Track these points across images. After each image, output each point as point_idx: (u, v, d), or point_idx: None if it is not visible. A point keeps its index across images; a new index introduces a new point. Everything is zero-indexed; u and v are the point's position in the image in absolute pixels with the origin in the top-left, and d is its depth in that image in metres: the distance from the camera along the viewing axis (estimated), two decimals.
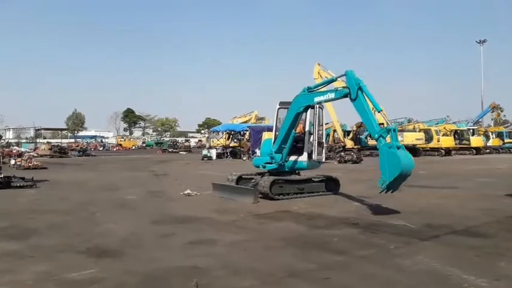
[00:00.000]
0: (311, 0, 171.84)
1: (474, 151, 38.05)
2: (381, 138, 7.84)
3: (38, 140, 58.65)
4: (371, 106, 8.38)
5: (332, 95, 8.99)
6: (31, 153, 27.70)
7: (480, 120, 52.70)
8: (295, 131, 10.06)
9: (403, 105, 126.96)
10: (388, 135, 7.81)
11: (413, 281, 4.25)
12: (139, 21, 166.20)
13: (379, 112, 8.39)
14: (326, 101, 9.44)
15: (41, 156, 31.91)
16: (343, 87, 8.69)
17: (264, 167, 10.43)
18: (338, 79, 9.86)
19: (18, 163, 20.73)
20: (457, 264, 4.71)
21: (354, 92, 8.31)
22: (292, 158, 10.32)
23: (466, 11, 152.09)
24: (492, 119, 54.61)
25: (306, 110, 9.88)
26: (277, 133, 10.54)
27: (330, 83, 10.15)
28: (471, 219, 7.42)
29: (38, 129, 62.81)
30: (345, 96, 8.61)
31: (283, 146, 10.08)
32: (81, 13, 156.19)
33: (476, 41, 62.63)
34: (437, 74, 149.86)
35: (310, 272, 4.52)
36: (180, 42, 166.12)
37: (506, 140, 44.39)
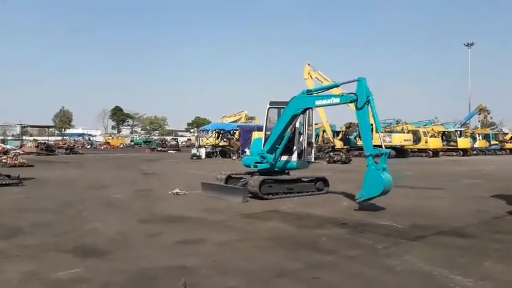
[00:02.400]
0: (303, 1, 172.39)
1: (461, 152, 38.55)
2: (371, 157, 8.22)
3: (24, 138, 57.79)
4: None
5: (337, 100, 8.87)
6: (17, 151, 27.31)
7: (467, 122, 53.37)
8: (291, 131, 10.08)
9: (392, 106, 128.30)
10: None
11: (400, 281, 4.28)
12: (130, 20, 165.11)
13: (377, 133, 8.65)
14: (329, 105, 9.25)
15: (27, 153, 31.50)
16: (350, 93, 8.60)
17: (256, 166, 10.40)
18: (336, 87, 9.84)
19: (3, 161, 20.36)
20: (444, 264, 4.75)
21: (361, 101, 8.33)
22: (282, 158, 10.34)
23: (455, 13, 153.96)
24: (479, 121, 55.29)
25: (303, 112, 9.87)
26: (267, 133, 10.52)
27: (332, 88, 10.07)
28: (457, 220, 7.51)
29: (24, 127, 61.79)
30: (350, 102, 8.59)
31: (276, 146, 10.06)
32: (70, 11, 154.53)
33: (464, 44, 63.50)
34: (426, 76, 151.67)
35: (298, 272, 4.52)
36: (171, 42, 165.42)
37: (492, 142, 45.01)
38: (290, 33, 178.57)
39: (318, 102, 9.37)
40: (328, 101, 9.13)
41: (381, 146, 8.38)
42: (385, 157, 8.20)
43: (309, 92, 9.63)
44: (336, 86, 9.51)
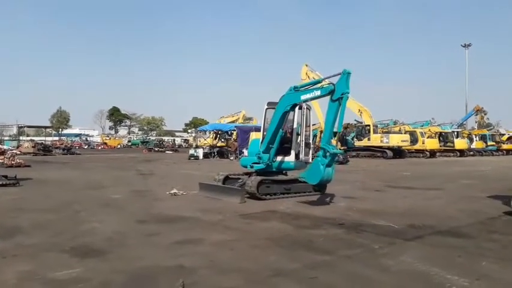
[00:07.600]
0: (303, 2, 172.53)
1: (458, 153, 38.78)
2: (323, 150, 8.59)
3: (21, 138, 57.57)
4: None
5: (318, 93, 9.06)
6: (14, 151, 27.22)
7: (464, 123, 53.66)
8: (283, 130, 10.10)
9: (389, 106, 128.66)
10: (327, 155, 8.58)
11: (397, 280, 4.30)
12: (127, 20, 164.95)
13: (338, 132, 8.84)
14: (312, 98, 9.42)
15: (24, 154, 31.41)
16: (329, 83, 8.78)
17: (252, 167, 10.42)
18: (325, 80, 9.82)
19: (0, 161, 20.32)
20: (440, 264, 4.79)
21: (337, 94, 8.54)
22: (280, 158, 10.36)
23: (453, 14, 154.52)
24: (476, 122, 55.52)
25: (292, 108, 9.92)
26: (265, 133, 10.55)
27: (317, 83, 10.07)
28: (454, 220, 7.55)
29: (21, 127, 61.55)
30: (329, 93, 8.71)
31: (270, 145, 10.09)
32: (67, 11, 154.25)
33: (462, 45, 63.82)
34: (423, 77, 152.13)
35: (295, 272, 4.54)
36: (169, 42, 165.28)
37: (489, 143, 45.24)
38: (289, 33, 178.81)
39: (302, 97, 9.50)
40: (311, 95, 9.30)
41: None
42: (332, 157, 8.57)
43: (295, 88, 9.72)
44: (319, 82, 9.56)
